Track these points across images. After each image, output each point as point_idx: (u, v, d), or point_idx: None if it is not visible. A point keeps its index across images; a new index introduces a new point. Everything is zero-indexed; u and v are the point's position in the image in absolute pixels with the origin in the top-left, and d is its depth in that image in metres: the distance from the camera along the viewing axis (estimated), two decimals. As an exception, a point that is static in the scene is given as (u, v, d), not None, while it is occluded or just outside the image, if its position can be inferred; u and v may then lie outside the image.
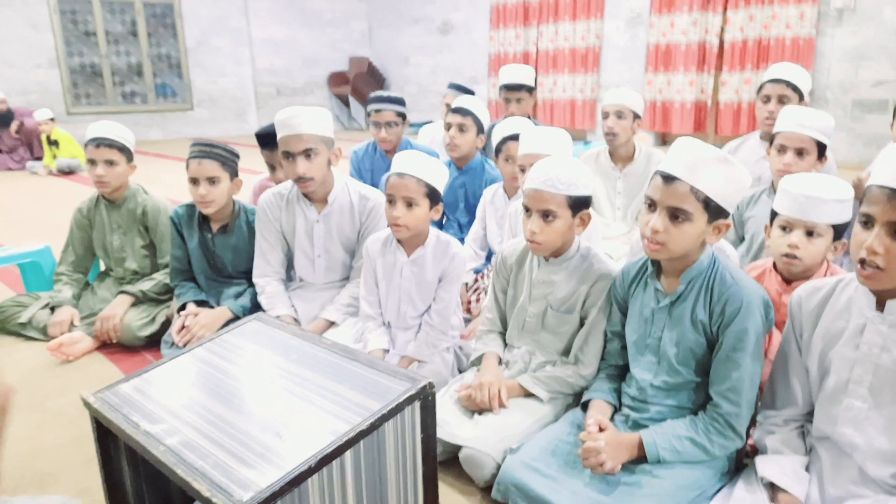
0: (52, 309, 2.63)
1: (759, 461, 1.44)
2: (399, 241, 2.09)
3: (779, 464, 1.43)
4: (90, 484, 1.71)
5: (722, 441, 1.46)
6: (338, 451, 1.18)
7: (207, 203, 2.37)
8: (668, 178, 1.42)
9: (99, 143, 2.56)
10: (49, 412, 2.09)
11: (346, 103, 10.86)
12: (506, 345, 1.98)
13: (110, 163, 2.57)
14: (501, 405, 1.76)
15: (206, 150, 2.37)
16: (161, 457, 1.19)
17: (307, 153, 2.20)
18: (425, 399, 1.33)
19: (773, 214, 1.82)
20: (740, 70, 6.91)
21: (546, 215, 1.70)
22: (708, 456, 1.47)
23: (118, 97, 9.45)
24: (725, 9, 6.98)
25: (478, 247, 2.77)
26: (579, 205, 1.72)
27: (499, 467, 1.60)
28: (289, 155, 2.20)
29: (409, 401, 1.30)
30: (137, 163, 2.76)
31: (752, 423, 1.56)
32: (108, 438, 1.46)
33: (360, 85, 10.40)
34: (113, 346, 2.53)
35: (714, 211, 1.42)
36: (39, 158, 6.80)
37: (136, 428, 1.28)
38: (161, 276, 2.65)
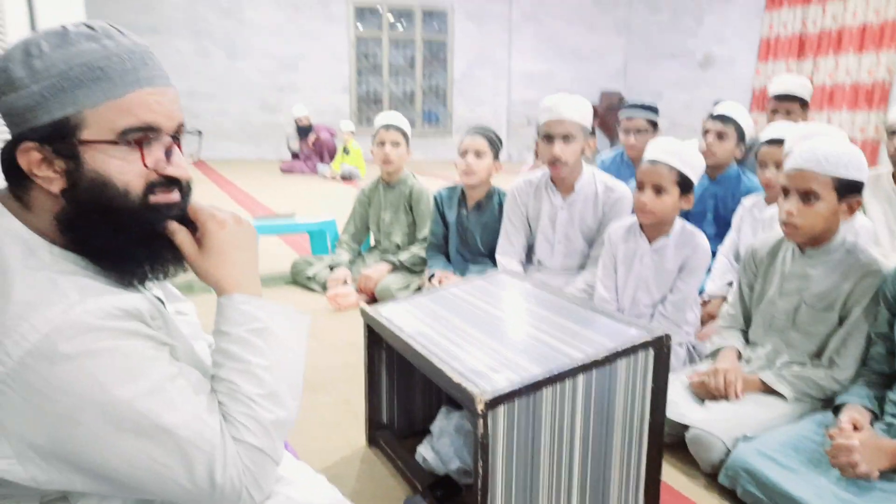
0: (331, 269, 3.14)
1: None
2: (643, 228, 2.12)
3: None
4: (350, 397, 2.02)
5: None
6: (571, 373, 1.27)
7: (471, 173, 2.68)
8: None
9: (389, 126, 3.06)
10: (324, 343, 2.50)
11: (592, 134, 10.97)
12: (747, 343, 1.89)
13: (395, 144, 3.05)
14: (736, 395, 1.69)
15: (480, 130, 2.76)
16: (421, 352, 1.39)
17: (566, 137, 2.35)
18: (660, 349, 1.36)
19: None
20: None
21: (806, 197, 1.61)
22: None
23: (391, 121, 10.75)
24: None
25: (734, 258, 2.66)
26: (848, 189, 1.60)
27: (728, 454, 1.55)
28: (549, 137, 2.37)
29: (644, 346, 1.34)
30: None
31: None
32: (374, 347, 1.73)
33: (608, 118, 10.46)
34: (375, 303, 2.93)
35: None
36: (327, 164, 8.05)
37: (400, 331, 1.51)
38: (416, 249, 3.03)
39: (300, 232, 3.60)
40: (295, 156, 8.44)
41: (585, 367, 1.28)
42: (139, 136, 0.79)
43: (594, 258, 2.45)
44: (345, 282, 3.02)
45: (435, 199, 2.87)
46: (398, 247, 3.15)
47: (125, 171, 0.79)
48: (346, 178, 7.56)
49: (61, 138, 0.76)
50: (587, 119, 2.40)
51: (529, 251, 2.66)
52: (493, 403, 1.19)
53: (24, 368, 0.71)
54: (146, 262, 0.85)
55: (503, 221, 2.65)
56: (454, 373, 1.28)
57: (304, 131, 8.24)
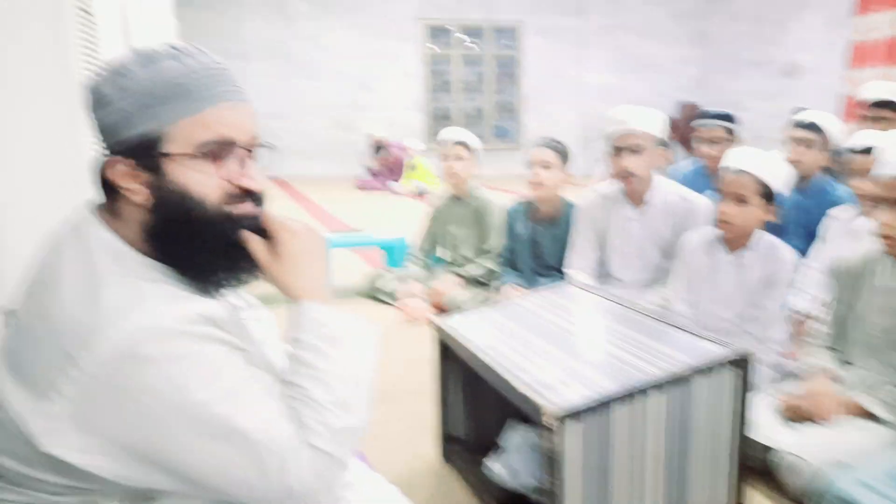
0: (403, 281, 3.18)
1: None
2: (723, 239, 2.04)
3: None
4: (422, 410, 2.02)
5: None
6: (646, 389, 1.22)
7: (538, 184, 2.67)
8: None
9: (452, 141, 3.13)
10: (393, 355, 2.51)
11: (666, 146, 10.69)
12: (842, 363, 1.77)
13: (459, 158, 3.09)
14: (831, 418, 1.58)
15: (547, 141, 2.75)
16: (490, 364, 1.38)
17: (634, 149, 2.30)
18: (742, 367, 1.29)
19: None
20: None
21: (907, 206, 1.50)
22: None
23: (462, 137, 10.87)
24: None
25: (823, 272, 2.50)
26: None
27: (819, 480, 1.44)
28: (617, 149, 2.33)
29: (725, 364, 1.28)
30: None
31: None
32: (445, 359, 1.73)
33: (684, 130, 10.16)
34: (444, 314, 2.95)
35: None
36: (397, 181, 8.20)
37: (469, 343, 1.51)
38: (485, 262, 3.03)
39: (373, 246, 3.67)
40: (371, 172, 8.64)
41: (661, 384, 1.23)
42: (215, 149, 0.82)
43: (670, 272, 2.37)
44: (416, 294, 3.05)
45: (508, 212, 2.87)
46: (467, 260, 3.16)
47: (203, 182, 0.82)
48: (418, 193, 7.67)
49: (145, 152, 0.81)
50: (658, 130, 2.34)
51: (601, 265, 2.61)
52: (564, 417, 1.16)
53: (111, 370, 0.74)
54: (223, 270, 0.88)
55: (573, 234, 2.61)
56: (523, 385, 1.26)
57: (377, 148, 8.45)
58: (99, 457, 0.77)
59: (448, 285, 3.00)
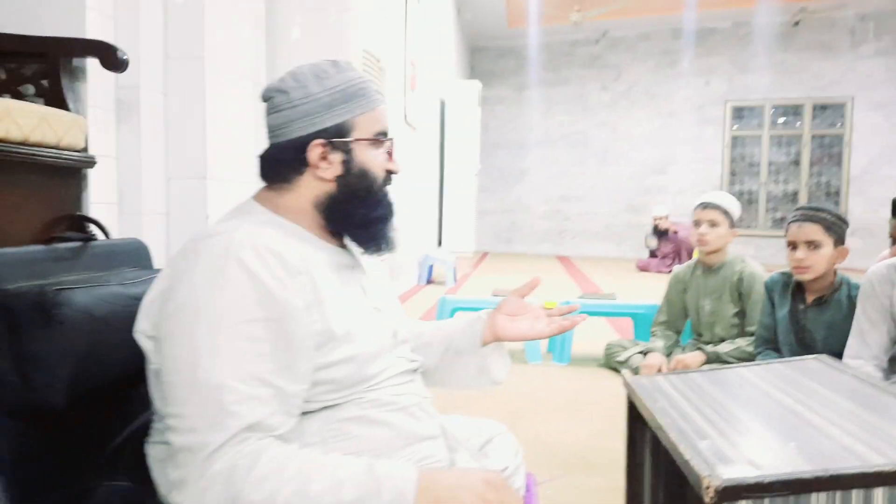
0: (644, 354, 2.92)
1: None
2: None
3: None
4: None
5: None
6: (861, 480, 0.91)
7: (803, 269, 2.20)
8: None
9: (705, 205, 2.79)
10: (616, 426, 2.31)
11: None
12: None
13: (712, 223, 2.74)
14: None
15: (809, 214, 2.19)
16: (666, 426, 1.18)
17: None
18: None
19: None
20: None
21: None
22: None
23: (769, 222, 9.77)
24: None
25: None
26: None
27: None
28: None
29: None
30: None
31: None
32: (635, 423, 1.53)
33: None
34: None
35: None
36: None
37: (652, 402, 1.31)
38: (743, 343, 2.60)
39: (623, 315, 3.48)
40: (652, 254, 8.29)
41: (886, 478, 0.90)
42: (382, 139, 1.04)
43: None
44: (659, 369, 2.77)
45: (766, 285, 2.45)
46: (721, 339, 2.77)
47: (376, 164, 1.03)
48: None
49: (339, 137, 1.00)
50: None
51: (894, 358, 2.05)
52: (729, 494, 0.92)
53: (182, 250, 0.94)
54: (378, 233, 1.04)
55: (856, 316, 2.10)
56: (692, 452, 1.04)
57: (662, 231, 8.07)
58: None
59: (694, 360, 2.66)
